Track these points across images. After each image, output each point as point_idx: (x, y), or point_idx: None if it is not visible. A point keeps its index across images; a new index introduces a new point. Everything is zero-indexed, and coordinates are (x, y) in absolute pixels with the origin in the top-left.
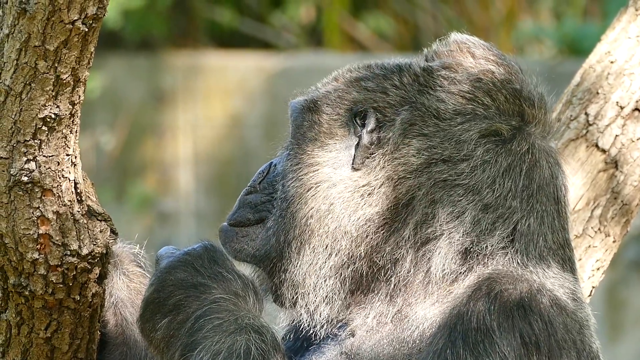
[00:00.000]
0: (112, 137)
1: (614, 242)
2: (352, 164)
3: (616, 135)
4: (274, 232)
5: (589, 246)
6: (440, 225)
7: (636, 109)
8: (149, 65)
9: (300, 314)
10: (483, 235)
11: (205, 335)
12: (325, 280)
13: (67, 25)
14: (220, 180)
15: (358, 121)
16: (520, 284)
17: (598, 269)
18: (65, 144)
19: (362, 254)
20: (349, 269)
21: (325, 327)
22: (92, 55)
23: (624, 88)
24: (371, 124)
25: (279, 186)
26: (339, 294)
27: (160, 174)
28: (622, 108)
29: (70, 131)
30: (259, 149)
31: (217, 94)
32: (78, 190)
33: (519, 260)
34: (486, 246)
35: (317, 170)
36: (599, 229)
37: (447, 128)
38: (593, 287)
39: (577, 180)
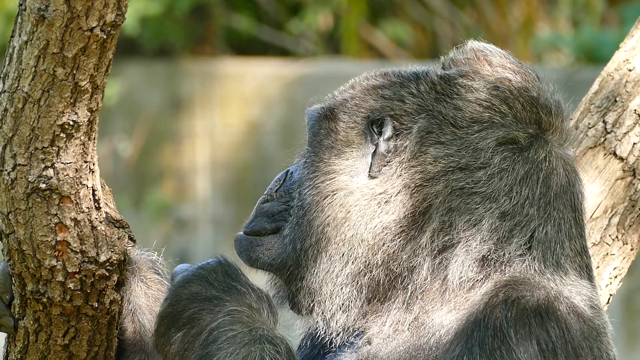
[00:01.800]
0: (130, 144)
1: (631, 250)
2: (369, 171)
3: (634, 143)
4: (291, 240)
5: (607, 254)
6: (457, 233)
7: None
8: (167, 72)
9: (317, 322)
10: (500, 243)
11: (220, 347)
12: (341, 288)
13: (86, 32)
14: (237, 187)
15: (375, 129)
16: (537, 291)
17: (616, 276)
18: (84, 150)
19: (379, 261)
20: (366, 277)
21: (341, 335)
22: (111, 62)
23: None
24: (388, 131)
25: (296, 194)
26: (356, 302)
27: (178, 180)
28: None
29: (89, 138)
30: (276, 156)
31: (234, 101)
32: (96, 197)
33: (536, 268)
34: (504, 254)
35: (334, 178)
36: (617, 237)
37: (464, 136)
38: (611, 294)
39: (595, 188)
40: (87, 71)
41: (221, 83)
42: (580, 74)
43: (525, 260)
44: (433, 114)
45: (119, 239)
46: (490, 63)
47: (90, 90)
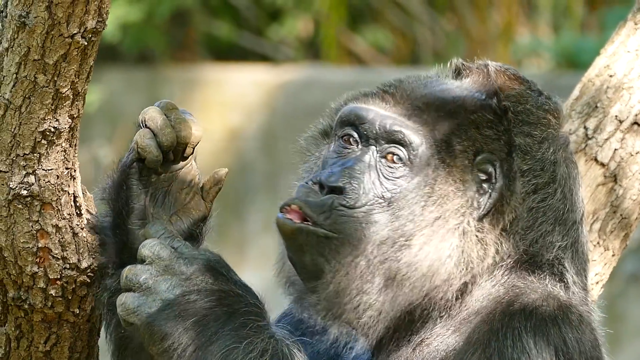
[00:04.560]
0: (111, 150)
1: (613, 255)
2: (478, 213)
3: (615, 149)
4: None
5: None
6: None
7: (635, 123)
8: (147, 78)
9: (340, 329)
10: (542, 252)
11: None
12: (393, 314)
13: (67, 39)
14: (218, 193)
15: (482, 171)
16: (551, 301)
17: (597, 282)
18: (65, 157)
19: (438, 296)
20: (417, 306)
21: (358, 348)
22: (92, 68)
23: (623, 102)
24: (500, 179)
25: (381, 211)
26: (397, 322)
27: None
28: (621, 122)
29: (70, 145)
30: (256, 162)
31: (215, 107)
32: (77, 204)
33: (559, 277)
34: (541, 260)
35: (443, 211)
36: (598, 243)
37: (540, 156)
38: (592, 300)
39: None
40: (68, 78)
41: (201, 89)
42: (561, 80)
43: (554, 268)
44: (518, 151)
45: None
46: (519, 82)
47: (71, 96)
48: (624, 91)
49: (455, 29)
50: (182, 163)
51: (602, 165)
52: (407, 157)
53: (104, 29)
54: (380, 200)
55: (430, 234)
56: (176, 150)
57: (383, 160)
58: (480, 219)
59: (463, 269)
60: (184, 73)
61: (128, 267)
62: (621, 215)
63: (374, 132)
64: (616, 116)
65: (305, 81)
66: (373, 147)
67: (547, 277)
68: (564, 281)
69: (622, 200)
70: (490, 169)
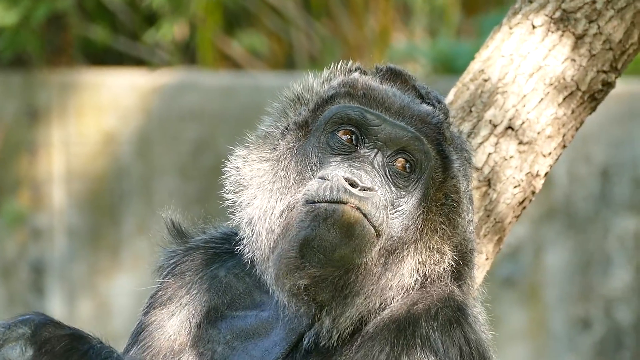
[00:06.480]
0: None
1: (486, 259)
2: (444, 226)
3: (489, 154)
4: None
5: None
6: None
7: (509, 127)
8: (23, 82)
9: (323, 322)
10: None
11: None
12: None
13: None
14: (93, 197)
15: (452, 185)
16: (452, 302)
17: None
18: None
19: (386, 302)
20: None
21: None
22: None
23: (497, 106)
24: (455, 195)
25: (394, 218)
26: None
27: (34, 190)
28: (495, 126)
29: None
30: (131, 166)
31: (90, 111)
32: None
33: (457, 276)
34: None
35: (428, 226)
36: None
37: (459, 167)
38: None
39: None
40: None
41: (77, 93)
42: (437, 85)
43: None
44: (460, 165)
45: None
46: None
47: None
48: (499, 95)
49: (331, 34)
50: None
51: (476, 169)
52: (416, 166)
53: None
54: (390, 207)
55: (415, 248)
56: None
57: (392, 165)
58: (441, 232)
59: (418, 279)
60: (60, 77)
61: None
62: (495, 219)
63: (388, 137)
64: (490, 120)
65: (181, 85)
66: (378, 151)
67: (449, 276)
68: (461, 281)
69: (496, 204)
70: (456, 186)
